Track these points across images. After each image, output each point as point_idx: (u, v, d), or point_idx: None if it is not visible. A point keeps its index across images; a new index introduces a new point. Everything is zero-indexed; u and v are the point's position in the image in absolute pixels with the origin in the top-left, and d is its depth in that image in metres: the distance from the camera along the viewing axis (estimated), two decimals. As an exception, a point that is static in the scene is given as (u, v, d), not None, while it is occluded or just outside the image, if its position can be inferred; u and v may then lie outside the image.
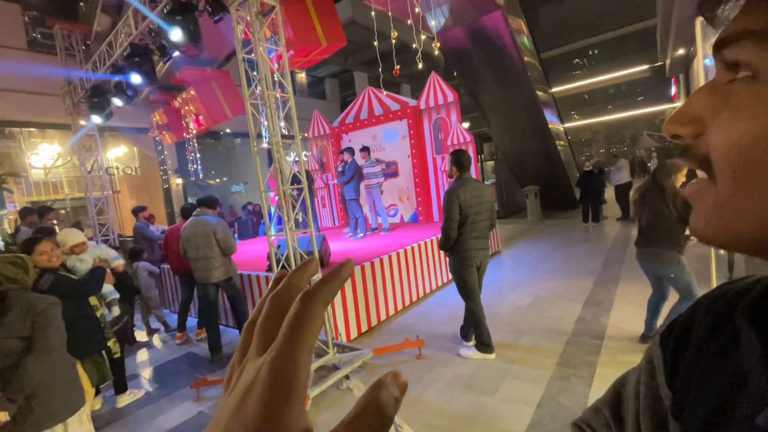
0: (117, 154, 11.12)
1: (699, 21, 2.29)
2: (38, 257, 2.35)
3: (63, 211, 10.33)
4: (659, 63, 14.08)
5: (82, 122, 6.83)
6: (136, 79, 4.58)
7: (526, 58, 8.49)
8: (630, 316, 3.62)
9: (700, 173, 0.30)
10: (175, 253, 4.44)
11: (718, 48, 0.28)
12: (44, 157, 9.57)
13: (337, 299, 3.91)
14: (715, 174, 0.28)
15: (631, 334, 3.31)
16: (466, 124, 7.05)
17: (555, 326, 3.68)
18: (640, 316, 3.23)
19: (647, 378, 0.42)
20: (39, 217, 5.08)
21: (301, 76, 15.41)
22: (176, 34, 3.72)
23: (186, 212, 4.54)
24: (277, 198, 3.07)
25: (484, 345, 3.24)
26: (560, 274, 5.30)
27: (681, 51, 9.80)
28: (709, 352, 0.35)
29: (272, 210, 7.18)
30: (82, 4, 7.98)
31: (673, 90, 14.95)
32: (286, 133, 3.86)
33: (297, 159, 3.38)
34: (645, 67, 20.92)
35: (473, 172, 4.19)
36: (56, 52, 6.83)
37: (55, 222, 6.69)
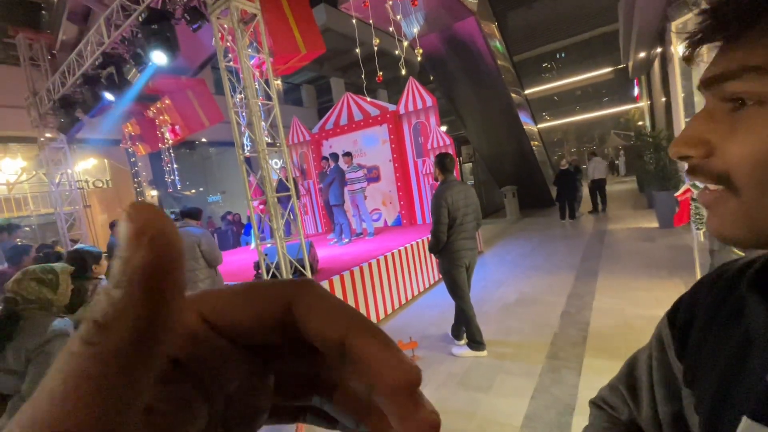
0: (86, 166, 10.67)
1: (674, 25, 2.45)
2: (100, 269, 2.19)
3: (27, 229, 9.80)
4: (622, 65, 14.77)
5: (49, 135, 6.55)
6: (109, 97, 4.44)
7: (499, 62, 8.75)
8: (611, 307, 3.77)
9: (712, 186, 0.34)
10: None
11: (714, 83, 0.32)
12: (7, 172, 9.09)
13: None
14: (737, 186, 0.32)
15: (613, 324, 3.46)
16: (443, 128, 7.18)
17: (542, 321, 3.79)
18: (621, 307, 3.39)
19: (658, 354, 0.45)
20: (8, 234, 4.83)
21: (278, 83, 15.25)
22: (159, 57, 3.62)
23: None
24: (262, 206, 3.05)
25: (476, 343, 3.31)
26: (542, 271, 5.46)
27: (642, 54, 10.32)
28: (715, 323, 0.39)
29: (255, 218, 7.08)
30: (44, 12, 7.66)
31: (636, 90, 15.66)
32: (270, 141, 3.84)
33: (282, 166, 3.37)
34: (609, 69, 21.92)
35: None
36: (19, 63, 6.54)
37: (19, 241, 6.35)
